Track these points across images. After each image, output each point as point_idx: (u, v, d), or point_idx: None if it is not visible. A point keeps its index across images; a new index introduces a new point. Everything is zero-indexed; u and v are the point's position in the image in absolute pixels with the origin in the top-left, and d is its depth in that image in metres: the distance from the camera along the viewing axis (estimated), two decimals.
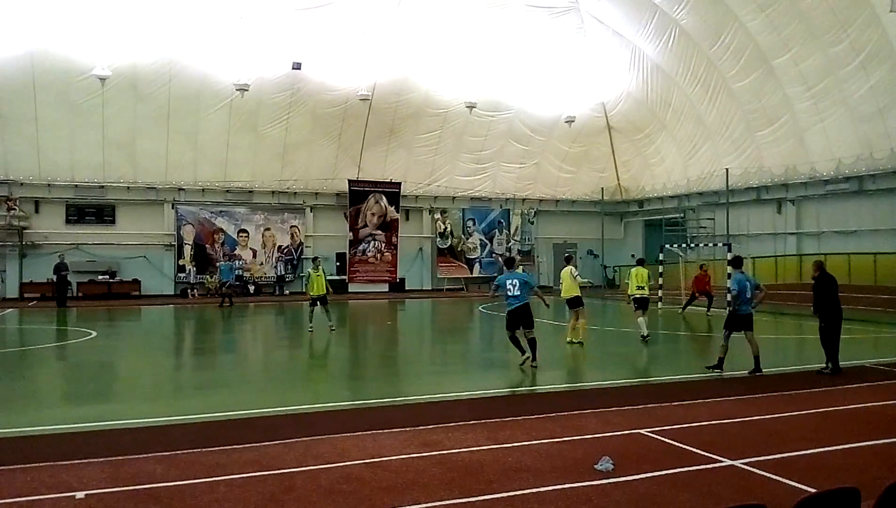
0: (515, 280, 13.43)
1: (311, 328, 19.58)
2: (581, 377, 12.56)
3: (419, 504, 5.90)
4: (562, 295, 17.18)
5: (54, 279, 29.04)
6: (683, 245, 31.63)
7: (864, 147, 29.11)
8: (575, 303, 16.65)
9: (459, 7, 32.47)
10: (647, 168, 40.81)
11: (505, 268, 14.42)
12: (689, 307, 25.92)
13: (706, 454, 7.36)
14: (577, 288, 16.81)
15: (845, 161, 29.88)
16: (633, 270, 18.66)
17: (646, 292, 18.07)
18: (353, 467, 6.92)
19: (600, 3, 33.28)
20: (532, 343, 13.21)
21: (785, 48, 29.35)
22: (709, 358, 13.74)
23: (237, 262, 35.16)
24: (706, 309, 25.10)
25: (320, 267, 20.47)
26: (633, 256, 41.55)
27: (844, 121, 29.42)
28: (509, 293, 13.37)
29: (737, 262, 14.03)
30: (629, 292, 18.50)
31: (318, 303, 19.53)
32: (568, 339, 16.62)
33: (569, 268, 17.03)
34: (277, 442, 7.79)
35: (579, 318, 16.66)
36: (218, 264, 33.14)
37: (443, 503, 5.93)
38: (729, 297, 12.87)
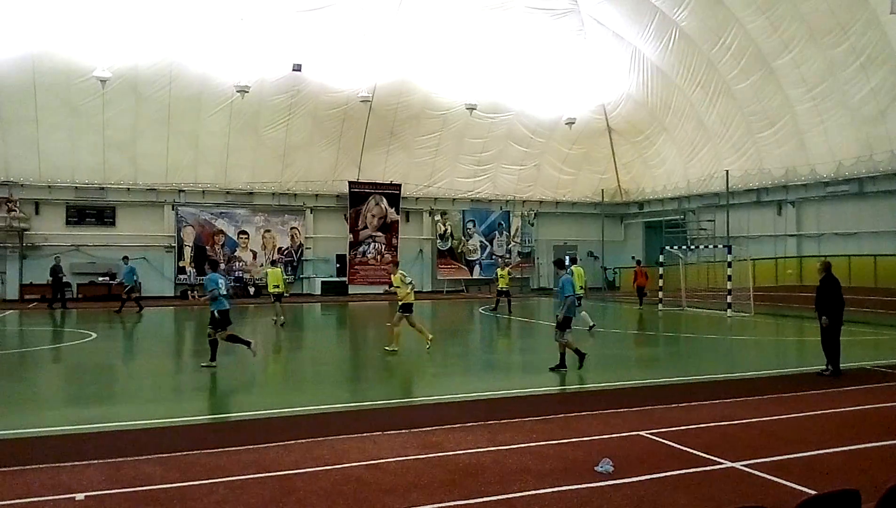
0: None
1: (274, 320, 21.36)
2: (581, 379, 12.54)
3: (419, 505, 5.90)
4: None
5: (51, 282, 28.89)
6: (684, 247, 31.61)
7: (865, 149, 29.11)
8: (406, 309, 15.70)
9: (460, 9, 32.48)
10: (648, 170, 40.82)
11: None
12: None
13: (706, 455, 7.36)
14: (412, 295, 15.86)
15: (846, 163, 29.88)
16: (577, 269, 20.19)
17: (583, 291, 19.84)
18: (353, 469, 6.92)
19: (600, 5, 33.29)
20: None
21: (785, 50, 29.36)
22: (709, 359, 13.72)
23: (225, 268, 35.12)
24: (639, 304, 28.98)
25: (279, 265, 22.75)
26: (633, 257, 41.74)
27: (845, 123, 29.42)
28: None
29: (561, 263, 14.55)
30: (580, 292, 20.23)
31: (277, 299, 21.50)
32: (394, 347, 15.54)
33: (399, 273, 16.12)
34: (277, 444, 7.79)
35: (403, 324, 15.80)
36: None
37: (443, 504, 5.93)
38: (560, 298, 13.21)
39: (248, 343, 13.90)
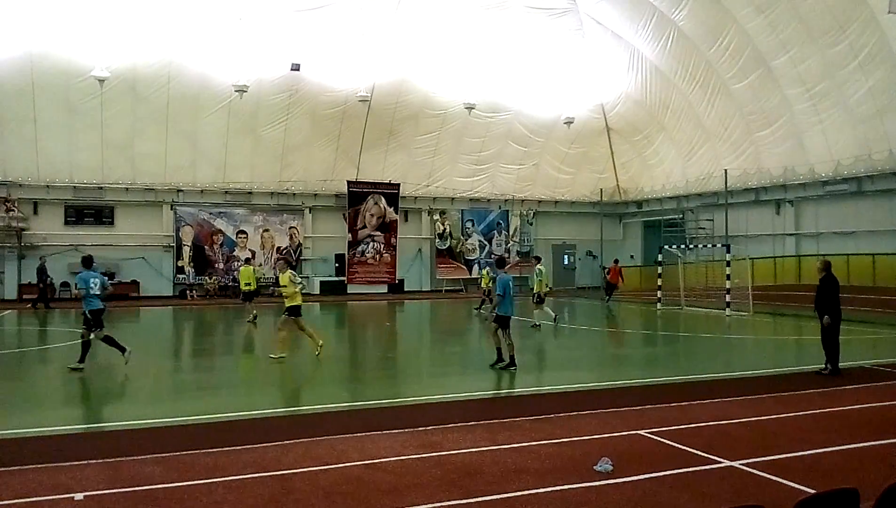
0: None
1: (250, 319, 21.80)
2: (580, 378, 12.55)
3: (418, 505, 5.90)
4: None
5: (40, 284, 28.45)
6: (682, 246, 31.63)
7: (863, 148, 29.14)
8: (294, 312, 14.75)
9: (458, 8, 32.47)
10: (646, 169, 40.84)
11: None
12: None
13: (705, 455, 7.37)
14: (300, 296, 15.04)
15: (844, 162, 29.90)
16: (541, 268, 21.77)
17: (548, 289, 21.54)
18: (352, 468, 6.92)
19: (599, 5, 33.29)
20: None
21: (783, 49, 29.37)
22: (707, 358, 13.73)
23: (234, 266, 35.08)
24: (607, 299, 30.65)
25: (251, 262, 23.94)
26: (632, 257, 41.77)
27: (843, 122, 29.45)
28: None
29: (500, 262, 14.52)
30: (537, 289, 21.47)
31: (248, 297, 22.43)
32: (280, 354, 14.37)
33: (289, 273, 15.34)
34: (276, 444, 7.79)
35: (304, 329, 15.01)
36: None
37: (442, 504, 5.93)
38: (496, 298, 13.38)
39: (122, 349, 13.32)
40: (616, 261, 33.69)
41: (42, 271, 28.37)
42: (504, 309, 13.24)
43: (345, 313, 28.91)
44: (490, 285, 25.57)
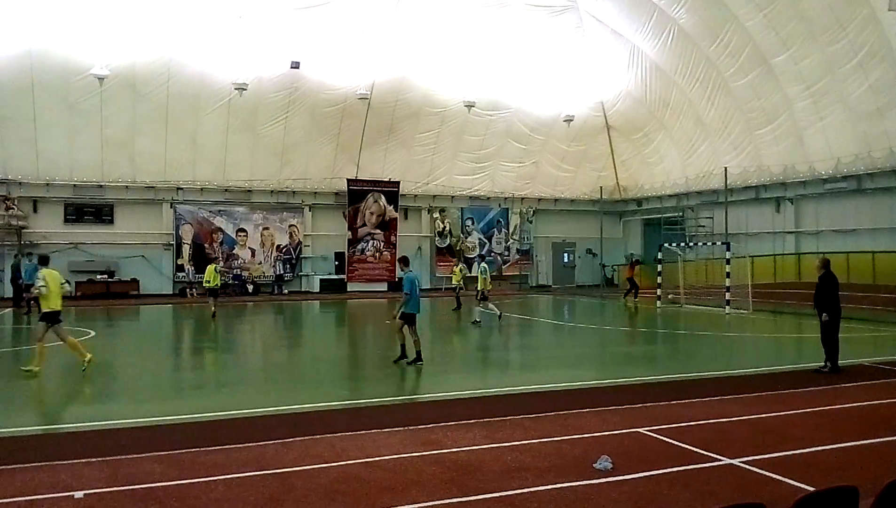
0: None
1: (213, 313, 23.26)
2: (579, 375, 12.55)
3: (418, 503, 5.91)
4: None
5: (19, 283, 26.71)
6: (682, 244, 31.62)
7: (863, 146, 29.12)
8: (51, 318, 12.80)
9: (458, 6, 32.43)
10: (646, 167, 40.82)
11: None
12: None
13: (705, 452, 7.37)
14: (59, 300, 12.97)
15: (844, 160, 29.89)
16: (486, 267, 23.70)
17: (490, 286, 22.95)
18: (352, 466, 6.93)
19: (599, 2, 33.25)
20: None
21: (783, 47, 29.35)
22: (707, 356, 13.73)
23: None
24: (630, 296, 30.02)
25: (215, 261, 25.46)
26: (631, 254, 41.76)
27: (843, 120, 29.42)
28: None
29: (405, 261, 14.60)
30: (481, 287, 22.72)
31: (212, 294, 23.90)
32: (32, 367, 12.50)
33: (52, 272, 13.23)
34: (276, 442, 7.79)
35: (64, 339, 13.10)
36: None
37: (441, 502, 5.94)
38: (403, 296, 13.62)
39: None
40: (633, 258, 33.71)
41: (16, 270, 27.34)
42: (411, 307, 13.47)
43: (344, 311, 28.92)
44: (461, 282, 26.74)
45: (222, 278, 34.26)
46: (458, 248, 39.07)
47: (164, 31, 29.71)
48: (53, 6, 27.84)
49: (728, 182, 31.42)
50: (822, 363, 12.61)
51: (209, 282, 24.22)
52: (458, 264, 29.75)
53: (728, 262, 26.24)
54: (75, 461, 7.08)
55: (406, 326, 13.49)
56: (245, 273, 35.47)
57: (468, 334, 21.64)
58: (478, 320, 21.59)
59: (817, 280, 12.92)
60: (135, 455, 7.26)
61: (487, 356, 16.64)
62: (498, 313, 22.67)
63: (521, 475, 6.64)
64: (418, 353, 13.37)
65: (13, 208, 31.29)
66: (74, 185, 32.70)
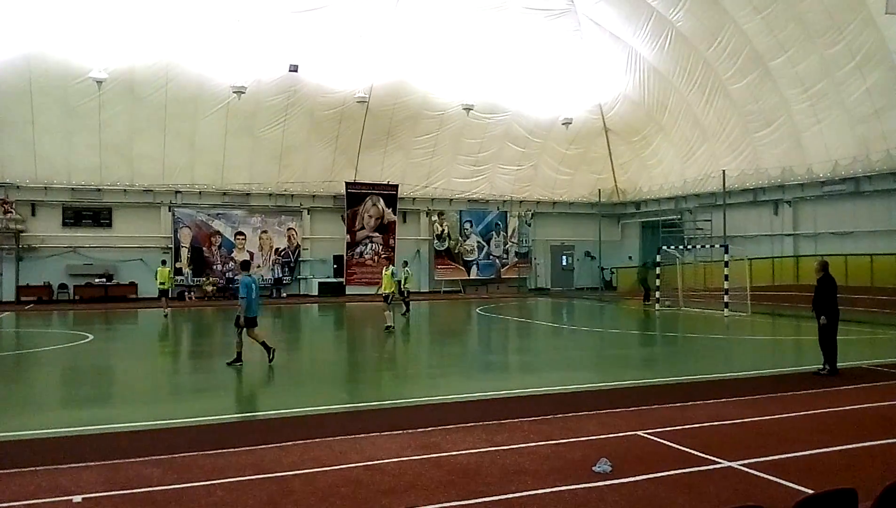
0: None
1: (165, 314, 24.73)
2: (578, 378, 12.55)
3: (417, 506, 5.90)
4: None
5: None
6: (680, 247, 31.63)
7: (861, 149, 29.16)
8: None
9: (456, 9, 32.46)
10: (644, 170, 40.86)
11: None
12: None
13: (704, 455, 7.37)
14: None
15: (842, 162, 29.93)
16: (395, 269, 22.58)
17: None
18: (351, 469, 6.92)
19: (597, 5, 33.30)
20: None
21: (781, 50, 29.41)
22: (706, 359, 13.72)
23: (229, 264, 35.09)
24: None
25: (167, 264, 26.73)
26: (630, 257, 41.81)
27: (841, 122, 29.47)
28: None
29: (245, 265, 14.95)
30: (387, 290, 21.26)
31: (164, 295, 25.23)
32: None
33: None
34: (274, 445, 7.78)
35: None
36: None
37: (441, 505, 5.93)
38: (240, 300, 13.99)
39: None
40: (646, 262, 33.01)
41: None
42: (250, 311, 13.81)
43: (343, 315, 28.90)
44: (392, 289, 22.27)
45: (214, 284, 34.41)
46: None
47: (163, 35, 29.71)
48: (52, 10, 27.83)
49: (726, 185, 31.44)
50: (821, 366, 12.62)
51: (164, 284, 25.34)
52: (387, 266, 24.94)
53: (726, 264, 26.26)
54: (74, 465, 7.07)
55: (245, 329, 13.88)
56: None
57: (465, 336, 21.66)
58: (391, 325, 20.49)
59: (816, 283, 12.94)
60: (133, 459, 7.25)
61: (486, 359, 16.64)
62: (390, 324, 20.61)
63: (521, 478, 6.64)
64: (238, 354, 13.78)
65: (11, 212, 31.26)
66: (72, 188, 32.68)
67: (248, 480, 6.62)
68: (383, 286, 21.54)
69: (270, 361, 13.83)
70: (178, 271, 34.15)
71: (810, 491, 5.73)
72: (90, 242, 32.95)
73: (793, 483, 6.45)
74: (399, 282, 23.83)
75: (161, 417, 9.71)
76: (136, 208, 33.95)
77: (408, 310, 26.10)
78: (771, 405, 9.99)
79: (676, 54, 33.20)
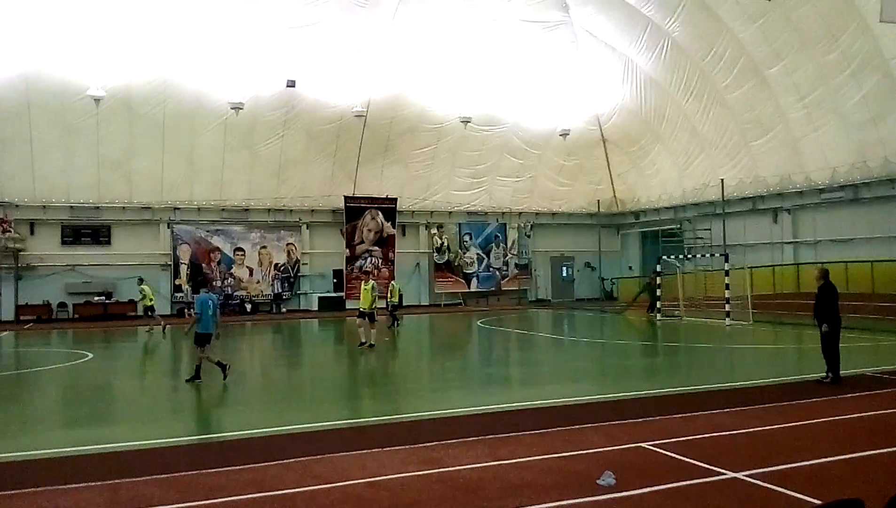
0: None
1: (149, 331, 25.62)
2: (581, 390, 12.49)
3: None
4: None
5: None
6: (681, 256, 31.61)
7: (858, 156, 29.23)
8: None
9: (452, 22, 32.63)
10: (643, 180, 40.93)
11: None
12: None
13: (708, 466, 7.31)
14: None
15: (840, 170, 29.99)
16: (374, 283, 20.91)
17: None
18: (353, 486, 6.86)
19: (592, 17, 33.47)
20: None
21: (777, 58, 29.53)
22: (708, 369, 13.60)
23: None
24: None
25: (143, 281, 27.36)
26: (630, 267, 41.78)
27: (838, 130, 29.55)
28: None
29: (202, 283, 15.39)
30: (365, 305, 20.03)
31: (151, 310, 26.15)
32: None
33: None
34: (276, 463, 7.73)
35: None
36: None
37: None
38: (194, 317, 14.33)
39: None
40: (655, 272, 30.22)
41: None
42: (203, 327, 13.89)
43: (343, 329, 28.81)
44: (374, 306, 20.44)
45: (218, 299, 34.35)
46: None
47: (160, 52, 29.85)
48: (49, 28, 27.96)
49: (725, 194, 31.47)
50: (824, 374, 12.56)
51: (151, 301, 25.99)
52: (367, 279, 22.35)
53: (727, 273, 26.22)
54: (74, 485, 7.01)
55: (198, 346, 13.93)
56: (243, 293, 35.41)
57: (466, 349, 21.59)
58: (371, 342, 19.47)
59: (817, 291, 12.90)
60: (134, 479, 7.19)
61: (488, 372, 16.57)
62: (365, 341, 19.71)
63: (524, 492, 6.59)
64: (197, 369, 13.78)
65: (10, 231, 31.25)
66: (71, 206, 32.70)
67: (250, 498, 6.55)
68: (362, 301, 20.12)
69: (191, 380, 13.76)
70: (178, 288, 34.12)
71: (816, 502, 5.68)
72: (89, 260, 32.94)
73: (798, 493, 6.39)
74: (387, 296, 23.57)
75: (161, 436, 9.65)
76: (134, 225, 33.95)
77: (396, 323, 26.00)
78: (775, 414, 9.93)
79: (673, 64, 33.33)
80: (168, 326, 26.28)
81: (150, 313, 26.44)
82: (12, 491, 6.84)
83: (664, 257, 31.02)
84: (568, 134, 38.62)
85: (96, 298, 32.56)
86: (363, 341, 19.70)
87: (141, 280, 27.90)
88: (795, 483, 6.70)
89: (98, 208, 33.10)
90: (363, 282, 20.99)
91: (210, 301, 14.18)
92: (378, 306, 20.54)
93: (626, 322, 28.72)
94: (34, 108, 29.79)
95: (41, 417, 11.68)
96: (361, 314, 20.13)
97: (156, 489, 6.87)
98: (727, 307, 25.41)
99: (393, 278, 28.09)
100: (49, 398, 13.70)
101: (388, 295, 26.32)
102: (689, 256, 32.27)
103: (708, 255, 32.10)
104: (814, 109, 29.75)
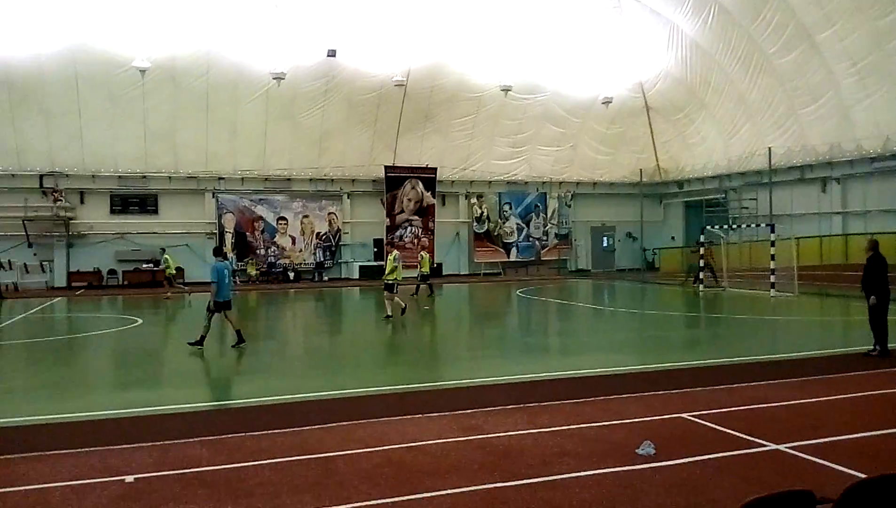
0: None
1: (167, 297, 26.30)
2: (621, 360, 12.45)
3: (459, 487, 5.94)
4: None
5: None
6: (725, 226, 31.06)
7: None
8: None
9: None
10: (687, 148, 40.16)
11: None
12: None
13: (749, 438, 7.27)
14: None
15: (893, 138, 29.03)
16: (397, 253, 20.24)
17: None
18: (394, 451, 6.99)
19: None
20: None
21: (828, 23, 28.54)
22: (752, 340, 13.46)
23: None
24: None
25: (166, 253, 28.45)
26: (672, 238, 41.22)
27: (892, 96, 28.55)
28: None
29: (218, 251, 15.19)
30: (393, 276, 19.33)
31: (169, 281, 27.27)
32: None
33: None
34: (319, 427, 7.89)
35: None
36: None
37: (483, 487, 5.96)
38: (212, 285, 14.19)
39: None
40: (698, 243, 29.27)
41: None
42: (221, 295, 14.02)
43: (383, 298, 29.04)
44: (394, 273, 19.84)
45: (258, 268, 34.98)
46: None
47: (203, 23, 30.08)
48: (95, 1, 28.36)
49: (772, 163, 30.80)
50: (871, 347, 12.33)
51: (172, 271, 27.22)
52: (391, 252, 21.31)
53: (773, 244, 25.71)
54: (125, 445, 7.26)
55: (218, 312, 14.09)
56: (286, 261, 35.93)
57: (506, 319, 21.64)
58: (389, 314, 19.16)
59: (865, 262, 12.62)
60: (183, 440, 7.42)
61: (527, 341, 16.61)
62: (399, 306, 19.28)
63: (563, 460, 6.63)
64: (202, 338, 13.89)
65: (61, 200, 32.10)
66: (119, 176, 33.42)
67: (294, 461, 6.73)
68: (388, 272, 19.56)
69: (236, 345, 14.06)
70: (224, 256, 34.67)
71: (861, 475, 5.62)
72: (137, 228, 33.72)
73: (842, 466, 6.32)
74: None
75: (208, 399, 9.91)
76: (180, 194, 34.57)
77: (428, 292, 26.22)
78: (819, 387, 9.80)
79: (719, 29, 32.47)
80: (192, 293, 27.30)
81: (171, 282, 27.48)
82: (66, 451, 7.12)
83: (708, 227, 30.49)
84: (610, 102, 37.98)
85: (144, 265, 33.34)
86: (388, 313, 19.14)
87: (163, 250, 29.10)
88: (839, 456, 6.63)
89: (145, 177, 33.76)
90: (388, 253, 21.01)
91: (226, 269, 14.43)
92: (398, 277, 19.55)
93: (668, 293, 28.40)
94: (81, 80, 30.36)
95: (93, 380, 12.09)
96: (389, 288, 19.50)
97: (204, 450, 7.09)
98: (772, 279, 24.97)
99: (423, 249, 28.23)
100: (100, 361, 14.15)
101: (420, 266, 26.39)
102: (734, 226, 31.68)
103: (753, 225, 31.47)
104: (866, 75, 28.76)
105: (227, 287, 14.25)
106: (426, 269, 26.44)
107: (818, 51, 29.68)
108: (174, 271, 27.69)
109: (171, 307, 24.42)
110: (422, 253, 27.64)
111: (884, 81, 28.42)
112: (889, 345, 12.25)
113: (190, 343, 14.01)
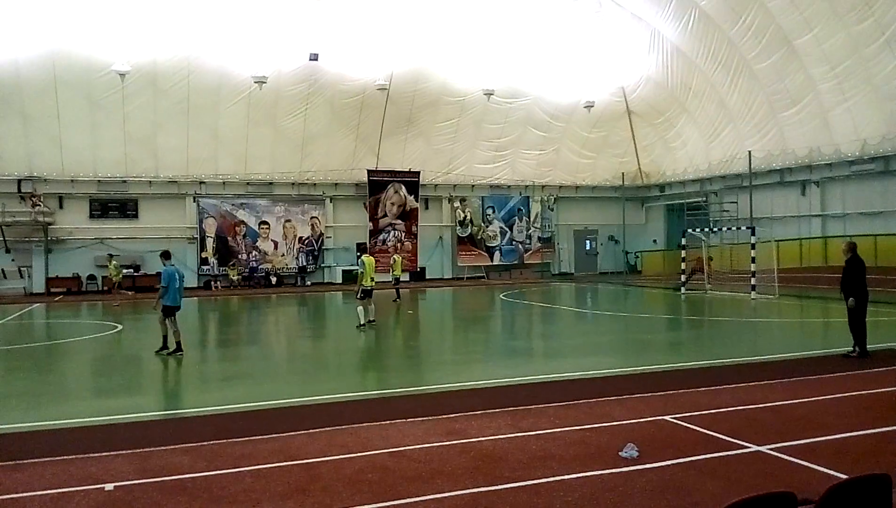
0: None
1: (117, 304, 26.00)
2: (604, 363, 12.49)
3: (443, 492, 5.91)
4: None
5: None
6: (706, 229, 31.29)
7: (891, 126, 28.59)
8: None
9: None
10: (669, 152, 40.44)
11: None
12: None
13: (732, 440, 7.30)
14: None
15: (871, 141, 29.40)
16: (367, 259, 18.69)
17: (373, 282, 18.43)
18: (377, 456, 6.95)
19: None
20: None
21: (807, 28, 28.88)
22: (733, 342, 13.52)
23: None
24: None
25: (113, 260, 27.79)
26: (654, 241, 41.46)
27: (870, 100, 28.93)
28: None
29: (166, 255, 14.90)
30: (364, 282, 18.02)
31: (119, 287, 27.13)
32: None
33: None
34: (301, 432, 7.83)
35: None
36: None
37: (467, 491, 5.94)
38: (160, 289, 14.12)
39: None
40: (680, 246, 29.91)
41: None
42: (170, 300, 13.86)
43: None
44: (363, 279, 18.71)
45: (239, 273, 34.74)
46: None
47: (184, 27, 29.92)
48: (74, 5, 28.11)
49: (752, 166, 31.06)
50: (851, 348, 12.44)
51: (116, 276, 26.98)
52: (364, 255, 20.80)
53: (753, 247, 25.93)
54: (105, 453, 7.17)
55: (166, 318, 13.90)
56: (268, 266, 35.73)
57: (489, 322, 21.65)
58: (362, 323, 17.78)
59: (844, 264, 12.75)
60: (163, 448, 7.33)
61: (511, 344, 16.62)
62: (363, 320, 17.87)
63: (547, 463, 6.63)
64: (178, 344, 13.79)
65: (39, 205, 31.72)
66: (99, 180, 33.10)
67: (277, 467, 6.67)
68: (366, 278, 18.10)
69: (165, 352, 13.86)
70: (205, 261, 34.50)
71: (842, 476, 5.65)
72: (117, 233, 33.40)
73: (824, 467, 6.36)
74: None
75: (189, 405, 9.82)
76: (161, 199, 34.29)
77: (395, 298, 25.94)
78: (800, 388, 9.87)
79: (700, 34, 32.75)
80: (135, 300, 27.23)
81: (119, 287, 27.39)
82: (45, 459, 7.01)
83: (689, 230, 30.71)
84: (592, 106, 38.19)
85: (125, 271, 32.96)
86: (362, 322, 17.74)
87: (110, 257, 28.73)
88: (821, 456, 6.67)
89: (125, 182, 33.46)
90: (361, 255, 20.07)
91: (177, 274, 14.24)
92: (365, 284, 18.11)
93: (649, 296, 28.55)
94: (61, 84, 30.06)
95: (72, 387, 11.93)
96: (365, 293, 18.05)
97: (184, 457, 7.01)
98: (753, 281, 25.18)
99: (396, 252, 28.27)
100: (80, 368, 13.98)
101: (392, 269, 26.33)
102: (715, 229, 31.91)
103: (734, 228, 31.71)
104: (844, 79, 29.12)
105: (178, 292, 14.09)
106: (398, 272, 26.44)
107: (797, 55, 30.01)
108: (121, 278, 27.75)
109: (130, 313, 24.20)
110: (394, 256, 27.56)
111: (862, 86, 28.78)
112: (868, 346, 12.37)
113: (158, 352, 13.91)
